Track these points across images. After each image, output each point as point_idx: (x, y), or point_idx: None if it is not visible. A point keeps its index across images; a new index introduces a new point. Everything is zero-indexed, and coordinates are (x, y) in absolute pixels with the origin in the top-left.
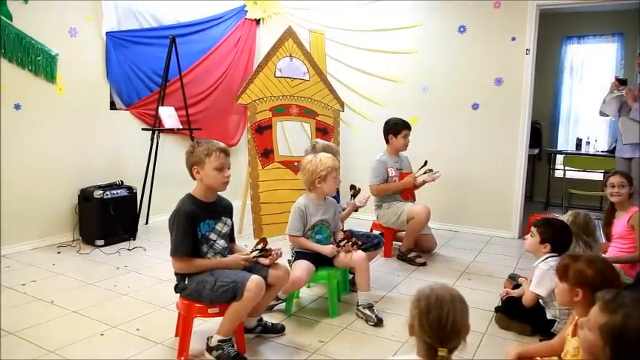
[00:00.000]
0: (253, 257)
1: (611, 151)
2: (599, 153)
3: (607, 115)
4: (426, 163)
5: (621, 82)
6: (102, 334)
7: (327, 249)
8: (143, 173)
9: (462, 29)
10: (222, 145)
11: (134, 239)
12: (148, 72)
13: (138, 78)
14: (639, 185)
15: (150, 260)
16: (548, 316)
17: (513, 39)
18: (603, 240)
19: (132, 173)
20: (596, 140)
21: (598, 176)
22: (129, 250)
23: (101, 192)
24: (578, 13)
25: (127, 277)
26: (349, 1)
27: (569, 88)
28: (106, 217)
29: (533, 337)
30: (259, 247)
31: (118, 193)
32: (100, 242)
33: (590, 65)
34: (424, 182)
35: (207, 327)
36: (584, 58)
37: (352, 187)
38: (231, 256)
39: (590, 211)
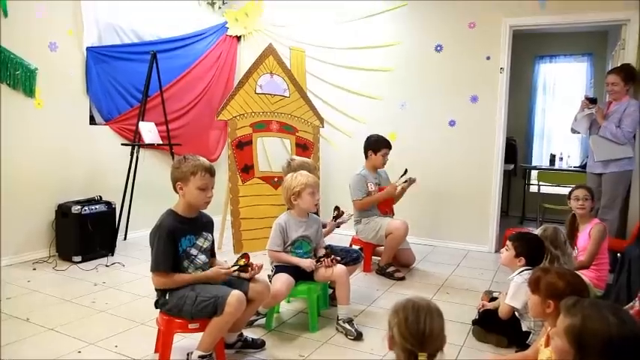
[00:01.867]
0: (234, 271)
1: (583, 167)
2: (572, 168)
3: (579, 133)
4: (406, 171)
5: (591, 101)
6: (79, 352)
7: (305, 262)
8: (122, 188)
9: (438, 48)
10: (208, 164)
11: (112, 255)
12: (128, 87)
13: (118, 93)
14: (611, 198)
15: (129, 276)
16: (524, 328)
17: (488, 58)
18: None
19: (111, 188)
20: (568, 156)
21: None
22: (107, 266)
23: (79, 207)
24: (549, 33)
25: (105, 294)
26: (329, 20)
27: (542, 105)
28: (84, 233)
29: (509, 348)
30: (241, 262)
31: (96, 208)
32: (78, 258)
33: (562, 83)
34: (403, 190)
35: (188, 343)
36: (556, 76)
37: (336, 208)
38: (212, 269)
39: (563, 224)
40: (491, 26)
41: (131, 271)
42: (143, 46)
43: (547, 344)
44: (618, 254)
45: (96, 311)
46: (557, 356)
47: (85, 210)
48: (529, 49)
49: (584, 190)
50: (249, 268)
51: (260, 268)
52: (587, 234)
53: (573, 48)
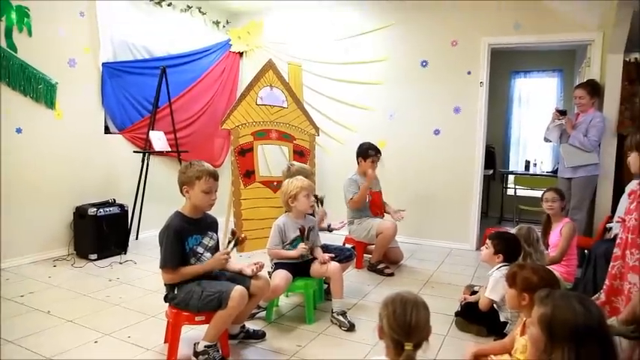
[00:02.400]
0: (230, 249)
1: (554, 172)
2: (545, 173)
3: (550, 141)
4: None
5: (561, 113)
6: (96, 342)
7: (298, 250)
8: (134, 192)
9: (424, 63)
10: (212, 169)
11: (125, 253)
12: (139, 99)
13: (130, 105)
14: (579, 201)
15: (140, 273)
16: (502, 319)
17: (469, 73)
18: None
19: (124, 192)
20: (542, 162)
21: None
22: (120, 263)
23: (95, 209)
24: (524, 51)
25: (119, 289)
26: (324, 37)
27: (518, 116)
28: (99, 233)
29: (488, 337)
30: (230, 238)
31: (110, 210)
32: (94, 256)
33: (535, 96)
34: (389, 213)
35: (194, 334)
36: (530, 90)
37: (315, 196)
38: (213, 257)
39: (537, 224)
40: (472, 44)
41: (142, 268)
42: (154, 61)
43: (522, 333)
44: (586, 251)
45: (110, 305)
46: (531, 343)
47: (100, 212)
48: (506, 65)
49: (553, 193)
50: (241, 241)
51: (261, 267)
52: (558, 232)
53: (545, 64)
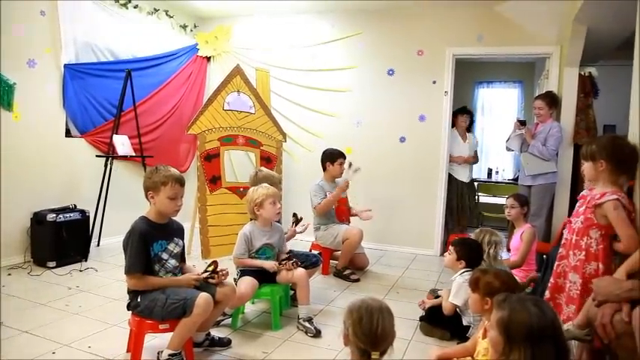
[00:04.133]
0: (204, 278)
1: (515, 180)
2: (506, 181)
3: (512, 150)
4: (350, 165)
5: (521, 123)
6: (54, 353)
7: (269, 263)
8: (96, 197)
9: (390, 72)
10: (179, 175)
11: (86, 260)
12: (103, 102)
13: (93, 107)
14: (538, 208)
15: (102, 280)
16: (464, 323)
17: (434, 82)
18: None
19: (85, 197)
20: (503, 170)
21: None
22: (80, 271)
23: (54, 215)
24: (487, 62)
25: (79, 297)
26: (292, 44)
27: (481, 125)
28: (59, 240)
29: (451, 341)
30: (210, 269)
31: (70, 216)
32: (52, 264)
33: (498, 106)
34: (357, 215)
35: (158, 342)
36: (492, 100)
37: (294, 215)
38: (184, 275)
39: (500, 230)
40: (437, 54)
41: (104, 275)
42: (118, 64)
43: (484, 336)
44: (544, 255)
45: (70, 314)
46: (491, 346)
47: (60, 218)
48: (470, 75)
49: (512, 199)
50: (217, 275)
51: (226, 275)
52: (519, 237)
53: (507, 75)
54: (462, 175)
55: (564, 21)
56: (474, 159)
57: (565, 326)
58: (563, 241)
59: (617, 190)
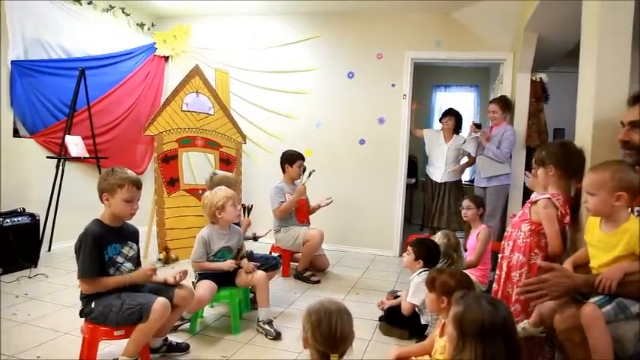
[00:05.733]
0: (158, 266)
1: (472, 181)
2: (464, 183)
3: (468, 152)
4: (310, 173)
5: (477, 126)
6: None
7: (225, 263)
8: (47, 200)
9: (350, 75)
10: (135, 177)
11: (35, 267)
12: (54, 101)
13: (44, 107)
14: (493, 208)
15: (52, 287)
16: (423, 322)
17: (393, 85)
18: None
19: (35, 200)
20: None
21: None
22: (30, 277)
23: (1, 219)
24: (445, 66)
25: (28, 305)
26: (252, 45)
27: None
28: (6, 245)
29: (410, 340)
30: (162, 256)
31: (19, 220)
32: None
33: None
34: (319, 206)
35: (113, 349)
36: (450, 103)
37: (243, 205)
38: (139, 269)
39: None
40: (396, 58)
41: (55, 282)
42: (71, 62)
43: (442, 334)
44: (499, 255)
45: (17, 323)
46: (448, 341)
47: (7, 222)
48: (428, 79)
49: (468, 201)
50: (170, 258)
51: (185, 274)
52: (475, 237)
53: (463, 80)
54: (436, 175)
55: (517, 29)
56: (470, 161)
57: (521, 324)
58: (505, 234)
59: (558, 193)
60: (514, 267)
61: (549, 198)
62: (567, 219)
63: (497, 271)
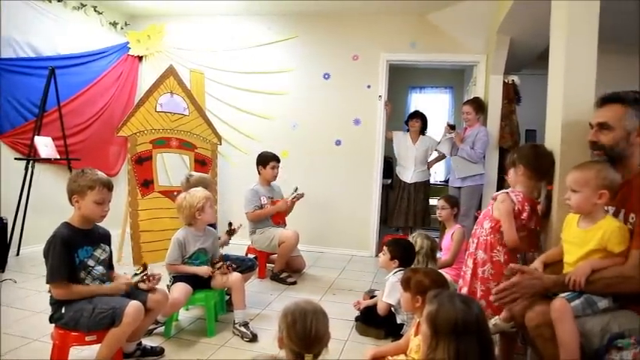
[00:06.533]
0: (134, 283)
1: (447, 182)
2: (439, 183)
3: (442, 153)
4: (296, 189)
5: (451, 127)
6: None
7: (202, 269)
8: (15, 203)
9: (326, 76)
10: (106, 179)
11: (3, 271)
12: (23, 101)
13: (11, 106)
14: (467, 208)
15: (21, 292)
16: (398, 321)
17: (369, 86)
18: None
19: (3, 203)
20: (435, 172)
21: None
22: None
23: None
24: (420, 68)
25: None
26: (228, 46)
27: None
28: None
29: (386, 339)
30: (139, 271)
31: None
32: None
33: (430, 111)
34: (294, 202)
35: (85, 354)
36: (425, 104)
37: (230, 224)
38: (113, 283)
39: (433, 231)
40: (372, 59)
41: (24, 286)
42: (41, 61)
43: (417, 333)
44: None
45: None
46: (423, 340)
47: None
48: (404, 80)
49: (443, 201)
50: (148, 278)
51: (159, 279)
52: (449, 237)
53: (438, 82)
54: (406, 176)
55: (490, 32)
56: (439, 156)
57: (492, 321)
58: (472, 231)
59: (520, 190)
60: (479, 264)
61: (507, 193)
62: (525, 215)
63: (464, 267)
